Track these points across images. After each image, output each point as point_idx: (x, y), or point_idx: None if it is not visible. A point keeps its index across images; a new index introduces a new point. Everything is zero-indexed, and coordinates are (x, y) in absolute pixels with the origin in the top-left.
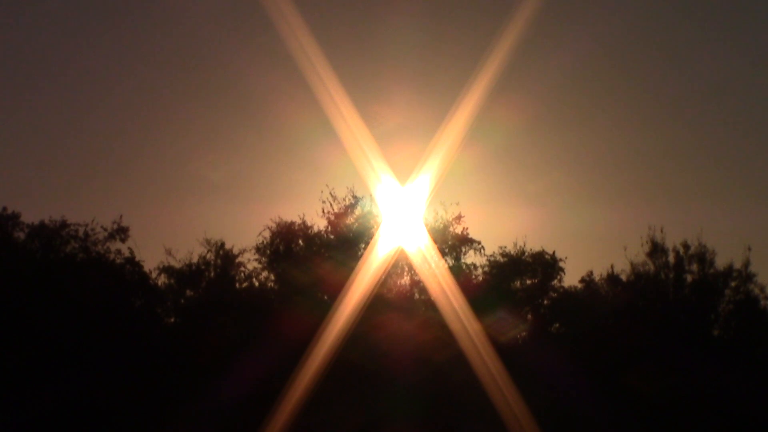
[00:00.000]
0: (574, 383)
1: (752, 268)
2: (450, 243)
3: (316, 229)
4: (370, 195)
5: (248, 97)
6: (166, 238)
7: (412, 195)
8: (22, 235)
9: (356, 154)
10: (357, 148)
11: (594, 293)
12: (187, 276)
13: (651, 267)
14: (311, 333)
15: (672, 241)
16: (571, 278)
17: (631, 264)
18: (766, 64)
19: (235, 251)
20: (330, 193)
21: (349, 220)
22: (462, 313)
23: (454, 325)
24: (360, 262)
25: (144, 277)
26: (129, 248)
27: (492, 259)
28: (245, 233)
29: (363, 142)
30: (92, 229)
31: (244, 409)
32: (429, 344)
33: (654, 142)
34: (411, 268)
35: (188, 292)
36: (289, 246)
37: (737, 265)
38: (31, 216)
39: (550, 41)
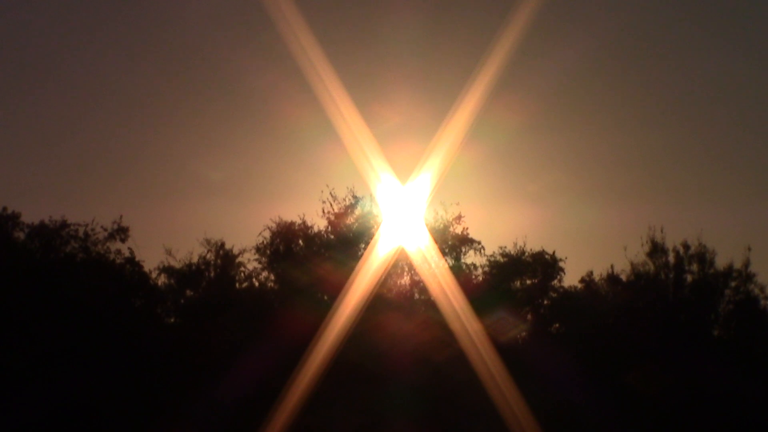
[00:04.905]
0: (575, 383)
1: (752, 268)
2: (450, 243)
3: (316, 229)
4: (371, 195)
5: (248, 97)
6: (166, 238)
7: (412, 195)
8: (22, 235)
9: (356, 154)
10: (357, 148)
11: (594, 293)
12: (187, 276)
13: (651, 267)
14: (311, 333)
15: (672, 241)
16: (571, 278)
17: (631, 264)
18: (766, 64)
19: (235, 251)
20: (330, 193)
21: (349, 220)
22: (462, 313)
23: (454, 325)
24: (360, 262)
25: (144, 277)
26: (129, 248)
27: (492, 259)
28: (245, 233)
29: (363, 141)
30: (92, 229)
31: (244, 409)
32: (429, 344)
33: (654, 142)
34: (411, 268)
35: (188, 292)
36: (289, 246)
37: (737, 265)
38: (31, 216)
39: (550, 41)
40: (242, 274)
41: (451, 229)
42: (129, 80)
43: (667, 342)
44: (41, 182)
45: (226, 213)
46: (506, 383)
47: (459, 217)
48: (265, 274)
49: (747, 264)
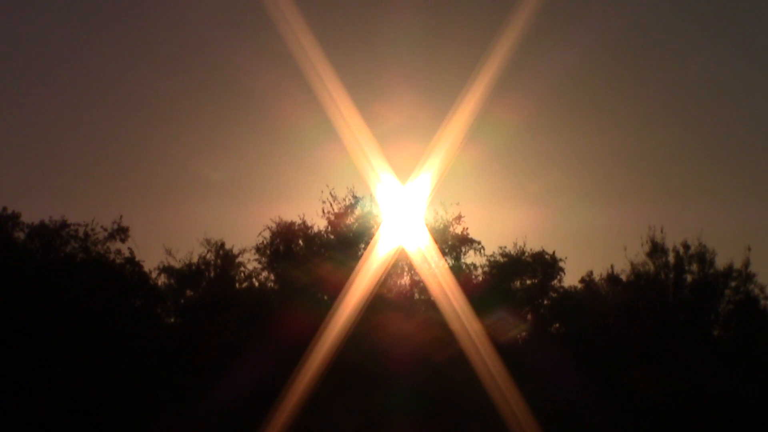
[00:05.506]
0: (574, 383)
1: (752, 268)
2: (450, 243)
3: (316, 229)
4: (371, 195)
5: (249, 97)
6: (166, 238)
7: (412, 195)
8: (22, 235)
9: (356, 154)
10: (357, 148)
11: (594, 293)
12: (187, 276)
13: (651, 267)
14: (311, 333)
15: (672, 241)
16: (571, 278)
17: (631, 264)
18: (766, 64)
19: (235, 251)
20: (330, 193)
21: (349, 220)
22: (462, 313)
23: (454, 325)
24: (360, 262)
25: (144, 277)
26: (129, 248)
27: (492, 259)
28: (245, 233)
29: (363, 141)
30: (92, 229)
31: (244, 409)
32: (429, 344)
33: (654, 142)
34: (411, 268)
35: (188, 292)
36: (289, 246)
37: (737, 265)
38: (31, 216)
39: (550, 41)
40: (242, 274)
41: (451, 229)
42: (129, 80)
43: (667, 342)
44: (41, 182)
45: (226, 213)
46: (506, 383)
47: (459, 217)
48: (265, 274)
49: (747, 264)
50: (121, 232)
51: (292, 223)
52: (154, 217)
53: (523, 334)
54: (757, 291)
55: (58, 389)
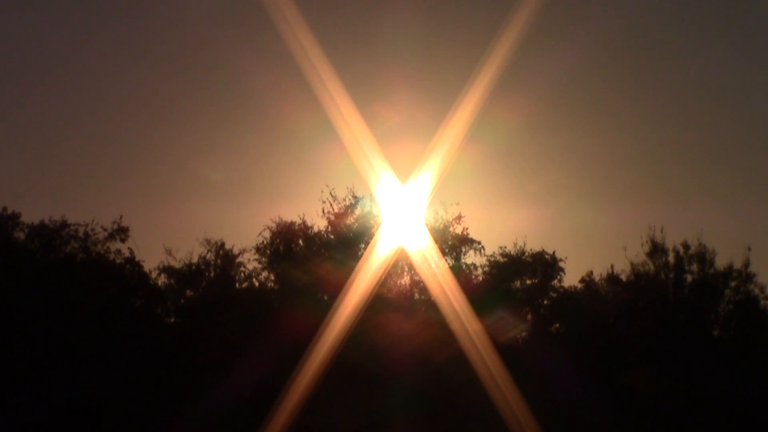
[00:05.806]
0: (574, 383)
1: (752, 268)
2: (450, 243)
3: (316, 229)
4: (371, 195)
5: (248, 97)
6: (166, 238)
7: (412, 195)
8: (22, 235)
9: (356, 154)
10: (357, 148)
11: (594, 293)
12: (187, 276)
13: (651, 267)
14: (311, 333)
15: (672, 241)
16: (571, 278)
17: (631, 264)
18: (766, 64)
19: (235, 251)
20: (330, 193)
21: (349, 220)
22: (462, 313)
23: (454, 325)
24: (360, 262)
25: (144, 277)
26: (129, 248)
27: (492, 259)
28: (245, 233)
29: (363, 141)
30: (92, 229)
31: (244, 408)
32: (429, 344)
33: (654, 142)
34: (411, 268)
35: (188, 292)
36: (289, 246)
37: (737, 265)
38: (31, 216)
39: (550, 41)
40: (242, 274)
41: (451, 229)
42: (129, 80)
43: (667, 342)
44: (41, 182)
45: (226, 213)
46: (506, 383)
47: (459, 217)
48: (265, 274)
49: (747, 264)
50: (121, 232)
51: (292, 223)
52: (154, 217)
53: (523, 334)
54: (757, 291)
55: (58, 389)
